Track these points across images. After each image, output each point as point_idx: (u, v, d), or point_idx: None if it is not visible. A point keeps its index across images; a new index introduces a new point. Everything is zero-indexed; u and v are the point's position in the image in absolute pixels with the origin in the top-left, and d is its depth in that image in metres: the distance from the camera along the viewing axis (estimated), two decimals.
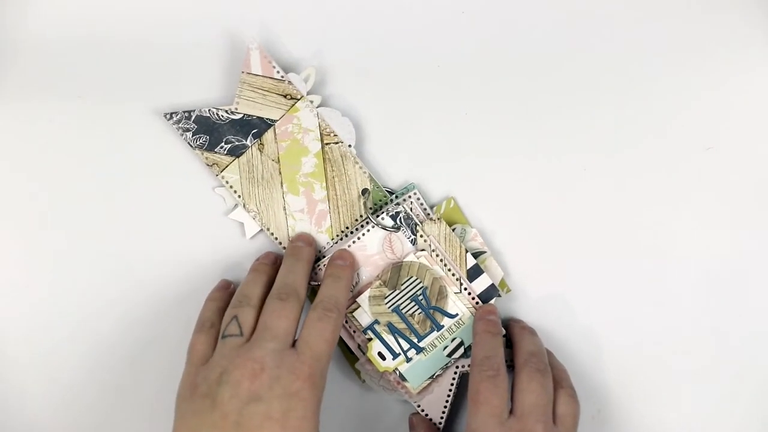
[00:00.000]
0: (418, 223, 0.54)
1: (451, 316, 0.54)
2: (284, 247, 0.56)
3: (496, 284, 0.55)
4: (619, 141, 0.56)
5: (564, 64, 0.55)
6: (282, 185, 0.56)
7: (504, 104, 0.56)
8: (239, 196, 0.56)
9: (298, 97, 0.55)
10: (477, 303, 0.54)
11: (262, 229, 0.57)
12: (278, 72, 0.55)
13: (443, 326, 0.54)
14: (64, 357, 0.58)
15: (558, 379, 0.52)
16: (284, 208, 0.56)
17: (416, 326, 0.54)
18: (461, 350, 0.54)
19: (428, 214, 0.56)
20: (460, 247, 0.54)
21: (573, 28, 0.55)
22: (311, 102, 0.56)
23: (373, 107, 0.56)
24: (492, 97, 0.56)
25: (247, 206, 0.56)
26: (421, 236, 0.54)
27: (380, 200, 0.56)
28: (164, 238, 0.58)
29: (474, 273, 0.54)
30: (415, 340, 0.54)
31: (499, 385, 0.49)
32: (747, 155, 0.55)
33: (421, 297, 0.54)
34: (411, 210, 0.54)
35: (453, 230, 0.55)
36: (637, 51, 0.55)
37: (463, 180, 0.57)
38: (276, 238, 0.56)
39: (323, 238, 0.56)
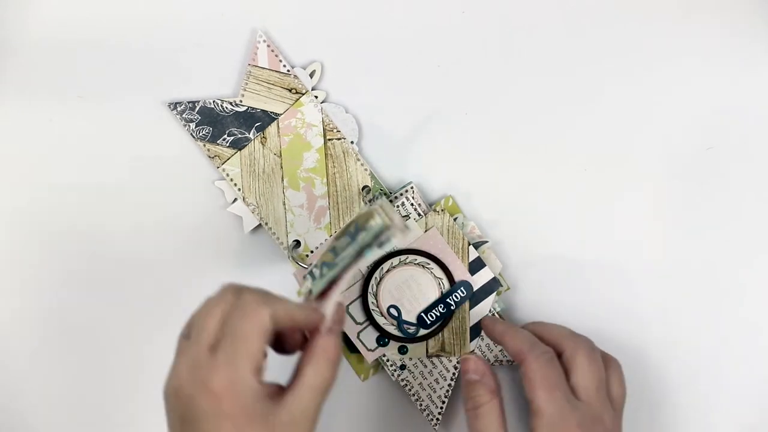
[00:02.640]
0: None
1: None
2: (281, 243, 0.56)
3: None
4: (620, 141, 0.56)
5: (564, 63, 0.56)
6: (283, 180, 0.56)
7: (504, 104, 0.57)
8: (239, 189, 0.56)
9: (303, 91, 0.56)
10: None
11: (260, 224, 0.56)
12: (284, 66, 0.56)
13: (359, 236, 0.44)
14: (61, 348, 0.57)
15: (605, 360, 0.50)
16: (284, 203, 0.56)
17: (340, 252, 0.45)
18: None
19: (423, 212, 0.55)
20: (463, 239, 0.54)
21: (573, 27, 0.56)
22: (316, 97, 0.56)
23: (373, 106, 0.57)
24: (492, 97, 0.57)
25: (247, 200, 0.56)
26: None
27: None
28: (164, 233, 0.57)
29: (476, 266, 0.54)
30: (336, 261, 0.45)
31: (558, 367, 0.48)
32: (747, 155, 0.56)
33: (353, 228, 0.45)
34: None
35: (454, 220, 0.54)
36: (638, 50, 0.56)
37: (463, 179, 0.57)
38: (274, 233, 0.56)
39: (321, 235, 0.56)
